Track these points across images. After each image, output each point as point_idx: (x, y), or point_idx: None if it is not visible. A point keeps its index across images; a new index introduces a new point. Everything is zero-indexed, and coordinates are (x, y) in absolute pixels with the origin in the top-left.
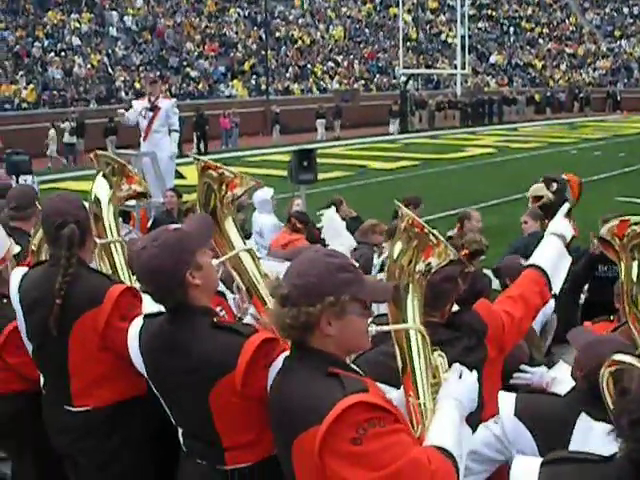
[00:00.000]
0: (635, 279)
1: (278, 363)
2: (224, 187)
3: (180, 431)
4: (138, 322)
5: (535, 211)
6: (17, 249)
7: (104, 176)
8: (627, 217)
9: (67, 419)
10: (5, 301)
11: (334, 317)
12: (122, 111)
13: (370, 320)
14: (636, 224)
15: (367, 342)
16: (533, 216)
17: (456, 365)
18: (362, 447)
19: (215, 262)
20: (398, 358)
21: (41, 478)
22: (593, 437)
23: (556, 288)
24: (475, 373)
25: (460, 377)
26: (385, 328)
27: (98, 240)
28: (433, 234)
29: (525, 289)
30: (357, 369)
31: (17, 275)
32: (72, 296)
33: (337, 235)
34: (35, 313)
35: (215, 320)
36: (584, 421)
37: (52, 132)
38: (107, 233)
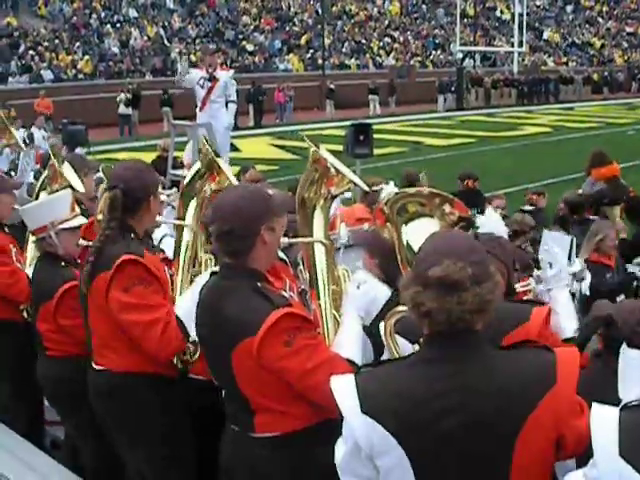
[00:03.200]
0: None
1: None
2: (324, 182)
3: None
4: (204, 278)
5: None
6: (82, 220)
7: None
8: None
9: (91, 378)
10: (63, 264)
11: None
12: (178, 77)
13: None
14: None
15: None
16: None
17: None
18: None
19: (285, 240)
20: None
21: (98, 443)
22: None
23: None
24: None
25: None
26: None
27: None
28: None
29: None
30: None
31: None
32: (100, 257)
33: None
34: None
35: (259, 285)
36: None
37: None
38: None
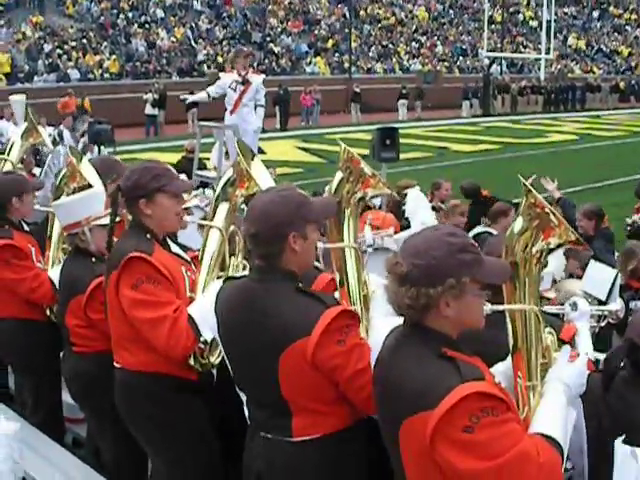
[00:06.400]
0: None
1: (379, 337)
2: (359, 184)
3: (244, 400)
4: (216, 285)
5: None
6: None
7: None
8: None
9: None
10: (94, 260)
11: (453, 298)
12: (184, 96)
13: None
14: None
15: (482, 321)
16: (588, 215)
17: (566, 347)
18: (474, 435)
19: (320, 245)
20: (510, 337)
21: (119, 440)
22: None
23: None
24: (585, 357)
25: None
26: (500, 307)
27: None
28: (555, 214)
29: None
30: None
31: None
32: (112, 255)
33: (420, 214)
34: None
35: (300, 285)
36: None
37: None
38: None
